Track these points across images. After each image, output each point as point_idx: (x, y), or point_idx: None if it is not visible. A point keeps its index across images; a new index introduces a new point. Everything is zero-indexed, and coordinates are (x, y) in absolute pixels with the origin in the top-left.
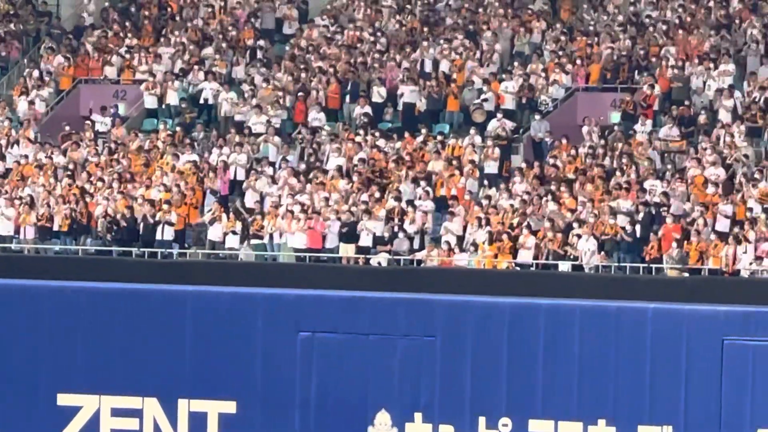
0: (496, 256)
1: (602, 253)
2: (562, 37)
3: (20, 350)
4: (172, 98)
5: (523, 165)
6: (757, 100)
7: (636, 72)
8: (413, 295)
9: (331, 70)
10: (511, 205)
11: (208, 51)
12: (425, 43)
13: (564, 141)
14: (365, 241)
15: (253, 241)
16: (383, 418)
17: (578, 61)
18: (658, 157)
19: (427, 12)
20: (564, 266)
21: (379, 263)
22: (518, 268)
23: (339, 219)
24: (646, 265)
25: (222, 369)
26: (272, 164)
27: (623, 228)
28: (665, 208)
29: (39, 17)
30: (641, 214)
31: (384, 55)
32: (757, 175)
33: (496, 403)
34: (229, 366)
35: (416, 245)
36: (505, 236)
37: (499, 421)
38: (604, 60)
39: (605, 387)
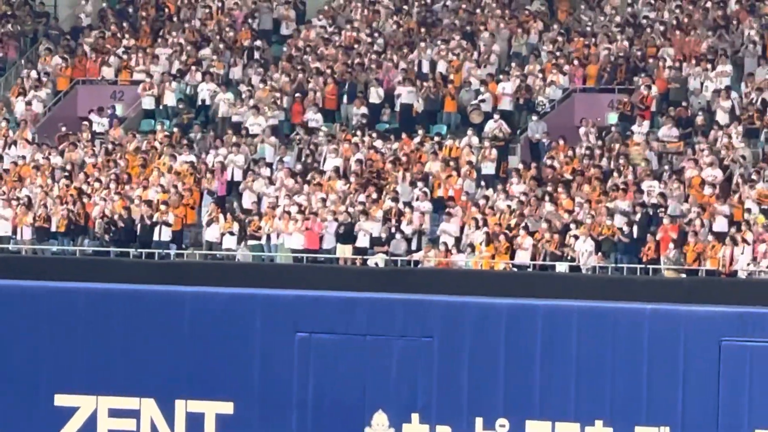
0: (493, 257)
1: (599, 254)
2: (560, 38)
3: (17, 351)
4: (170, 99)
5: (521, 166)
6: (754, 101)
7: (633, 73)
8: (410, 295)
9: (329, 70)
10: (509, 206)
11: (206, 52)
12: (422, 44)
13: (561, 142)
14: (362, 241)
15: (251, 242)
16: (380, 419)
17: (575, 62)
18: (655, 158)
19: (424, 13)
20: (561, 267)
21: (377, 264)
22: (515, 269)
23: (336, 220)
24: (643, 266)
25: (219, 369)
26: (269, 165)
27: (620, 229)
28: (662, 209)
29: (36, 18)
30: (638, 215)
31: (381, 56)
32: (754, 176)
33: (493, 404)
34: (226, 367)
35: (413, 246)
36: (502, 237)
37: (497, 421)
38: (602, 61)
39: (602, 388)
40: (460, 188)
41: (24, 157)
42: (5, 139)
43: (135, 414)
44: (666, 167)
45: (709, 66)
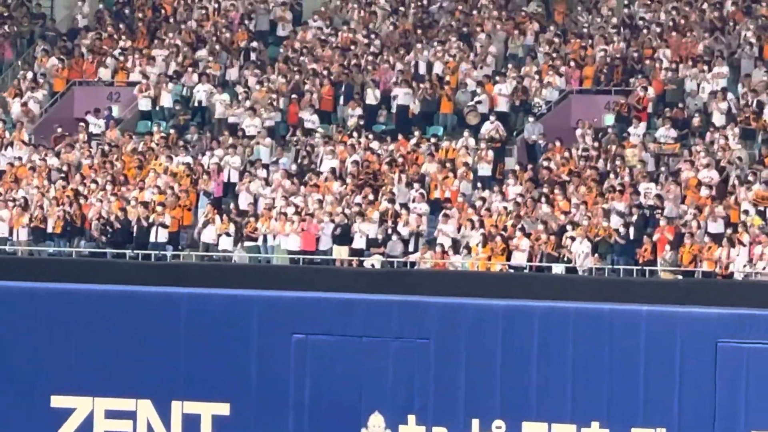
0: (489, 259)
1: (596, 255)
2: (556, 40)
3: (14, 352)
4: (166, 100)
5: (517, 167)
6: (750, 102)
7: (630, 74)
8: (407, 297)
9: (325, 72)
10: (505, 208)
11: (202, 53)
12: (419, 46)
13: (558, 143)
14: (359, 243)
15: (247, 243)
16: (377, 421)
17: (572, 64)
18: (652, 160)
19: (420, 14)
20: (558, 268)
21: (373, 265)
22: (512, 271)
23: (333, 221)
24: (639, 267)
25: (216, 371)
26: (266, 166)
27: (617, 230)
28: (659, 211)
29: (33, 19)
30: (635, 217)
31: (378, 58)
32: (750, 178)
33: (489, 406)
34: (223, 368)
35: (410, 248)
36: (498, 238)
37: (493, 423)
38: (598, 62)
39: (599, 389)
40: (456, 190)
41: (20, 158)
42: (2, 140)
43: (131, 415)
44: (662, 169)
45: (705, 67)
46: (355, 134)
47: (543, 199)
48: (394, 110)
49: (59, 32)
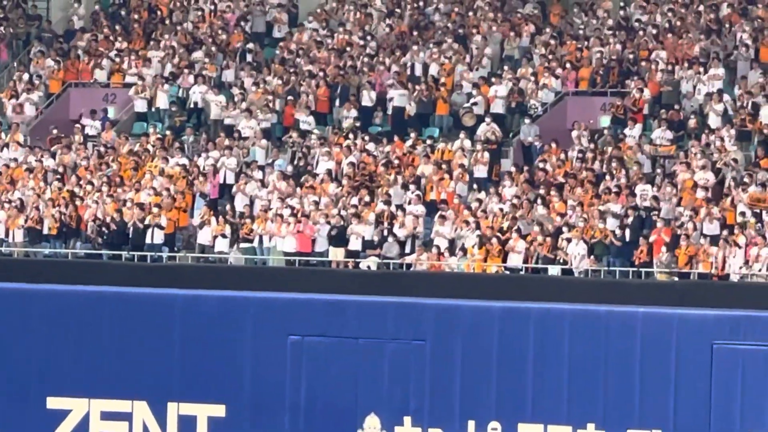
0: (485, 260)
1: (592, 257)
2: (552, 41)
3: (9, 354)
4: (162, 102)
5: (513, 169)
6: (746, 104)
7: (626, 76)
8: (403, 298)
9: (321, 73)
10: (501, 209)
11: (198, 54)
12: (415, 47)
13: (554, 145)
14: (355, 245)
15: (243, 245)
16: (372, 422)
17: (568, 65)
18: (648, 161)
19: (416, 16)
20: (554, 270)
21: (369, 267)
22: (508, 272)
23: (329, 223)
24: (635, 269)
25: (211, 372)
26: (262, 168)
27: (613, 232)
28: (655, 212)
29: (29, 21)
30: (631, 218)
31: (374, 59)
32: (746, 179)
33: (485, 407)
34: (219, 369)
35: (406, 249)
36: (494, 240)
37: (489, 424)
38: (594, 64)
39: (595, 391)
40: (452, 191)
41: (16, 160)
42: None
43: (127, 417)
44: (658, 170)
45: (701, 69)
46: (351, 136)
47: (539, 201)
48: (390, 112)
49: (55, 34)
